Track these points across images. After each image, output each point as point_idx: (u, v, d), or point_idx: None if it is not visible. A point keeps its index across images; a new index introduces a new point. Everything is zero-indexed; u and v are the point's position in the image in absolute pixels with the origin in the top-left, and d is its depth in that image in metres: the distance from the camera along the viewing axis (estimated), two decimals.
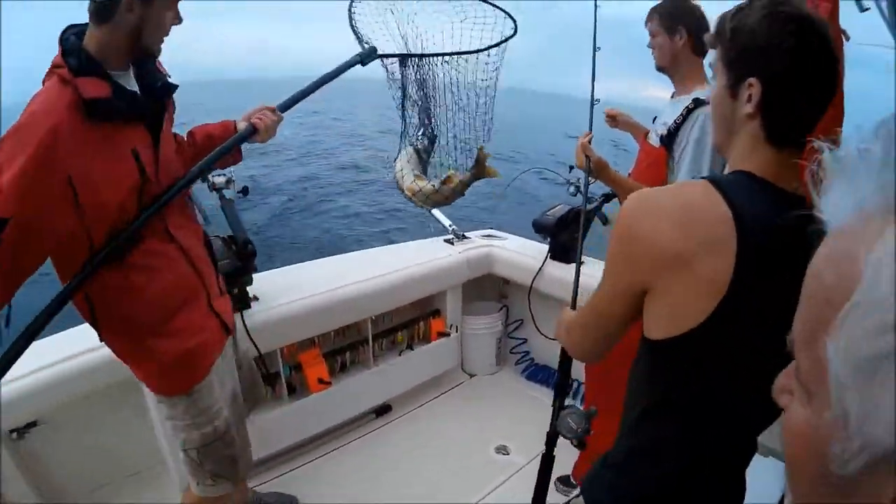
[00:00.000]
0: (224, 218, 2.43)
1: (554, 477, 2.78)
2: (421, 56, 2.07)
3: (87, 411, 2.38)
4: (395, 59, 2.09)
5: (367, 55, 2.02)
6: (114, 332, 1.65)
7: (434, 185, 2.11)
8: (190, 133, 1.93)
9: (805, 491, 0.44)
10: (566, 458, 2.81)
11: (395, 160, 2.26)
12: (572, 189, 2.62)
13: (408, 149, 2.24)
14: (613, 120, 2.55)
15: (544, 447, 1.79)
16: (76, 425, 2.40)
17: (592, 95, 2.21)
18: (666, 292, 0.98)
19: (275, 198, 12.79)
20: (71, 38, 1.45)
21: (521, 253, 3.25)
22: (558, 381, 1.76)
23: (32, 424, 2.28)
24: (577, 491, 2.47)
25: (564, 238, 3.15)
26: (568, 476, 2.82)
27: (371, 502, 2.69)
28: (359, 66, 2.03)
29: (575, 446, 1.72)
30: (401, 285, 3.12)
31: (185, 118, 2.00)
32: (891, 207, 0.36)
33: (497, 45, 1.99)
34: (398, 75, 2.13)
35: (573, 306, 1.76)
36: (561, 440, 1.76)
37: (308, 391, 2.94)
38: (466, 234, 3.58)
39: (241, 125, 1.85)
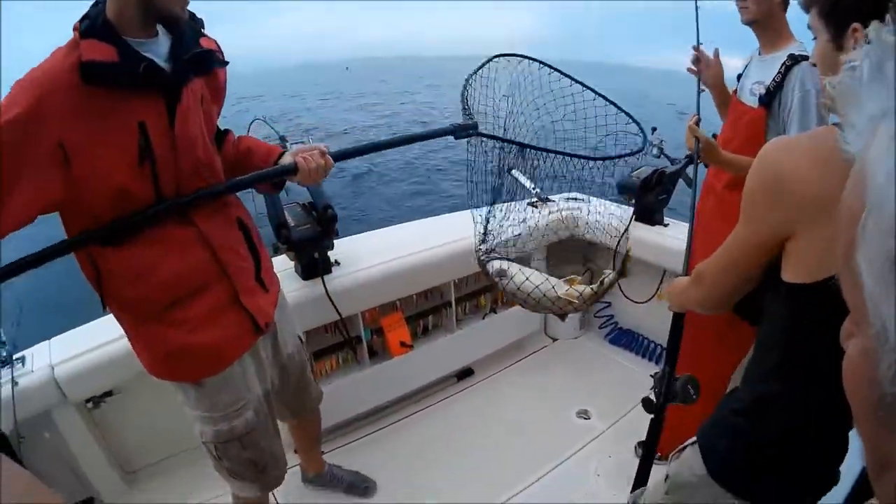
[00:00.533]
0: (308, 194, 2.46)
1: (633, 442, 2.75)
2: (525, 146, 1.83)
3: (160, 382, 2.50)
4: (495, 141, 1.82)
5: (464, 129, 1.77)
6: (117, 306, 1.57)
7: (593, 288, 1.80)
8: (240, 138, 1.82)
9: (867, 427, 0.43)
10: (639, 426, 2.76)
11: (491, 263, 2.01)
12: (655, 151, 2.51)
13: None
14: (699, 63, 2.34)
15: (651, 413, 1.68)
16: (149, 396, 2.48)
17: (699, 82, 2.25)
18: (810, 235, 1.01)
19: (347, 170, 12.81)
20: (99, 4, 1.38)
21: (606, 214, 3.14)
22: (670, 346, 1.68)
23: (108, 394, 2.41)
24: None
25: (650, 199, 3.03)
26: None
27: (450, 466, 2.73)
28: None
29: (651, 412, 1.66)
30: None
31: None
32: (884, 111, 0.35)
33: (620, 156, 1.80)
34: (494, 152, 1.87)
35: (685, 272, 1.70)
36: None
37: (389, 355, 2.98)
38: (550, 196, 3.49)
39: (287, 159, 1.67)
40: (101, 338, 2.25)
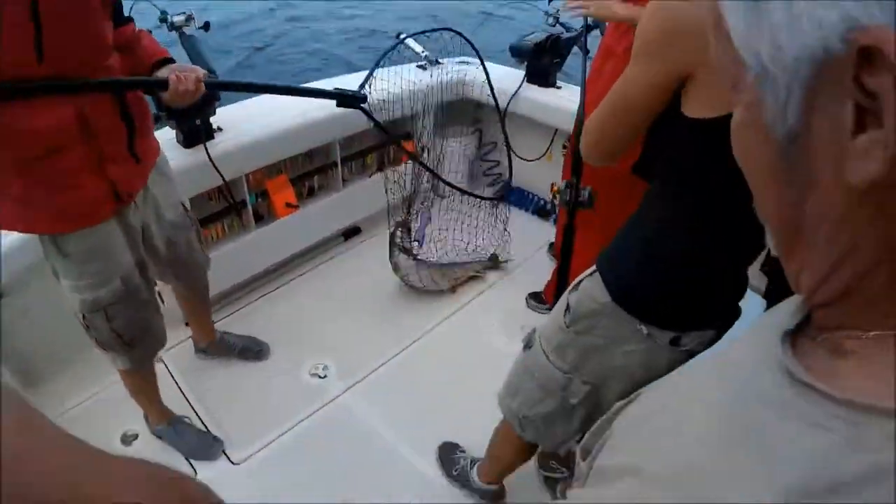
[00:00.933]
0: (187, 57, 2.28)
1: (525, 293, 2.95)
2: None
3: (51, 278, 2.35)
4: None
5: (351, 100, 2.05)
6: None
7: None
8: (140, 32, 1.75)
9: (772, 193, 0.43)
10: (538, 277, 2.95)
11: None
12: (551, 20, 2.50)
13: None
14: None
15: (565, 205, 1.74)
16: (40, 295, 2.34)
17: None
18: (710, 70, 1.01)
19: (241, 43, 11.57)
20: None
21: (496, 77, 3.14)
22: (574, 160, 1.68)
23: None
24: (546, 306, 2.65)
25: (543, 63, 3.05)
26: (539, 293, 2.98)
27: (342, 324, 2.84)
28: None
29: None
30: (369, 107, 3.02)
31: None
32: None
33: None
34: None
35: (575, 132, 1.70)
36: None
37: (275, 217, 2.94)
38: (440, 59, 3.40)
39: (164, 72, 1.67)
40: None
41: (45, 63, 1.38)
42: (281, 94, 2.02)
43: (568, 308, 1.41)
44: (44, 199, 1.54)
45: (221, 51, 9.75)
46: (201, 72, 1.71)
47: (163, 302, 2.59)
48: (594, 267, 1.38)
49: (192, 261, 2.14)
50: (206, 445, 2.26)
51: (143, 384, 2.11)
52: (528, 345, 1.60)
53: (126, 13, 1.70)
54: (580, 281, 1.41)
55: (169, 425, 2.26)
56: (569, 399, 1.47)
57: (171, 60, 1.76)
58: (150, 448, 2.28)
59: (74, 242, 1.63)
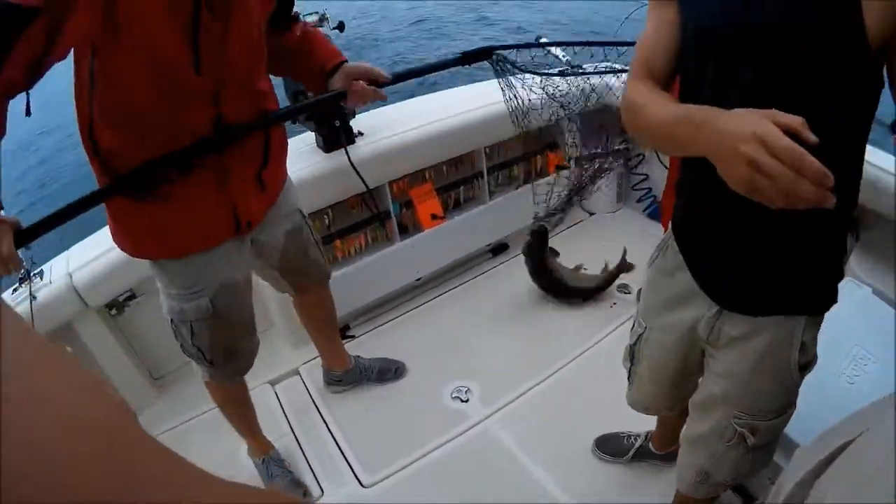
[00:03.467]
0: None
1: None
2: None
3: None
4: None
5: (476, 54, 2.05)
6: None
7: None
8: (305, 34, 1.74)
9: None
10: None
11: None
12: None
13: None
14: None
15: None
16: None
17: None
18: None
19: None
20: None
21: None
22: None
23: (131, 297, 2.29)
24: None
25: None
26: None
27: (486, 345, 2.62)
28: None
29: None
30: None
31: None
32: None
33: None
34: None
35: None
36: None
37: (420, 229, 2.80)
38: (584, 65, 3.16)
39: (339, 83, 1.71)
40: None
41: (202, 75, 1.37)
42: (424, 74, 1.95)
43: None
44: (161, 220, 1.51)
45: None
46: (379, 72, 1.72)
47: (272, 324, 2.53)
48: None
49: (309, 268, 2.02)
50: (289, 491, 2.07)
51: (230, 404, 1.99)
52: None
53: None
54: None
55: (262, 462, 2.12)
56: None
57: (344, 61, 1.74)
58: None
59: (167, 261, 1.61)
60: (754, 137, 0.71)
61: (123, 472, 0.26)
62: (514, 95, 2.35)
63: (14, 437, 0.22)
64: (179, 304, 1.63)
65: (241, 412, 2.03)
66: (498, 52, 2.09)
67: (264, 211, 1.72)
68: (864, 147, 1.04)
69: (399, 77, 1.84)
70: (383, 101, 1.89)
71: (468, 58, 2.02)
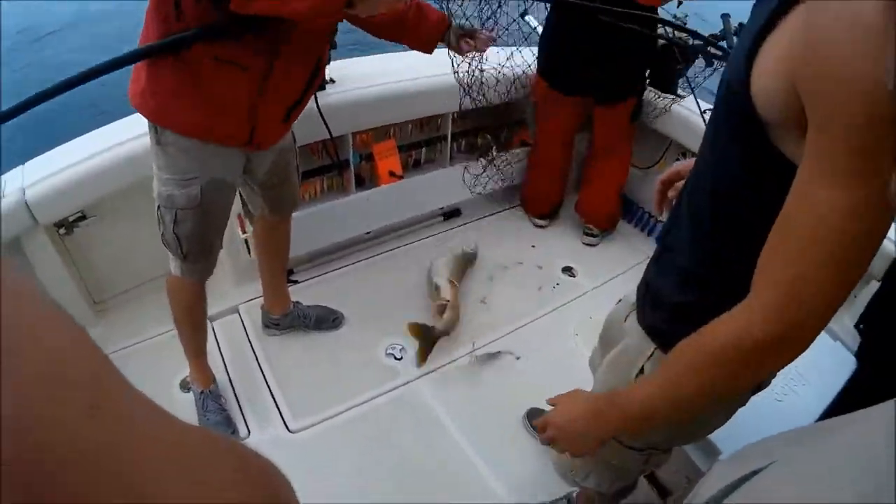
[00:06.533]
0: None
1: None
2: None
3: (135, 204, 2.28)
4: None
5: None
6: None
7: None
8: (417, 4, 1.89)
9: None
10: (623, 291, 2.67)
11: None
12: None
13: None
14: None
15: None
16: (123, 220, 2.34)
17: None
18: None
19: None
20: None
21: None
22: None
23: (82, 218, 2.23)
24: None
25: (668, 68, 2.82)
26: None
27: (427, 304, 2.65)
28: None
29: None
30: (487, 84, 2.84)
31: None
32: None
33: None
34: None
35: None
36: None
37: (377, 183, 2.80)
38: None
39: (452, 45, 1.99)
40: (78, 155, 2.06)
41: None
42: None
43: None
44: (191, 95, 1.56)
45: None
46: (476, 29, 2.00)
47: (249, 252, 2.52)
48: None
49: (288, 190, 2.08)
50: (219, 429, 2.08)
51: (189, 311, 2.01)
52: None
53: None
54: None
55: (201, 394, 2.14)
56: None
57: (450, 24, 1.96)
58: None
59: (174, 138, 1.62)
60: None
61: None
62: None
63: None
64: (171, 189, 1.67)
65: (195, 322, 2.05)
66: None
67: (276, 141, 1.82)
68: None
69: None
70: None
71: None
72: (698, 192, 0.97)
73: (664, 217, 1.29)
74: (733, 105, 0.81)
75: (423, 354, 2.40)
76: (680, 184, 1.26)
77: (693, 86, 2.66)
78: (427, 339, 2.42)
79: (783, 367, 0.80)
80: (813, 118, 0.68)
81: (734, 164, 0.87)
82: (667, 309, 1.08)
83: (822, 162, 0.68)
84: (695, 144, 1.75)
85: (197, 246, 1.80)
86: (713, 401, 0.93)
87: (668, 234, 1.10)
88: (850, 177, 0.66)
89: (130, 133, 2.12)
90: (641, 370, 1.14)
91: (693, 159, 1.06)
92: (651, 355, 1.12)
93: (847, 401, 1.84)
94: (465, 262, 2.82)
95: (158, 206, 1.72)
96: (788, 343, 0.75)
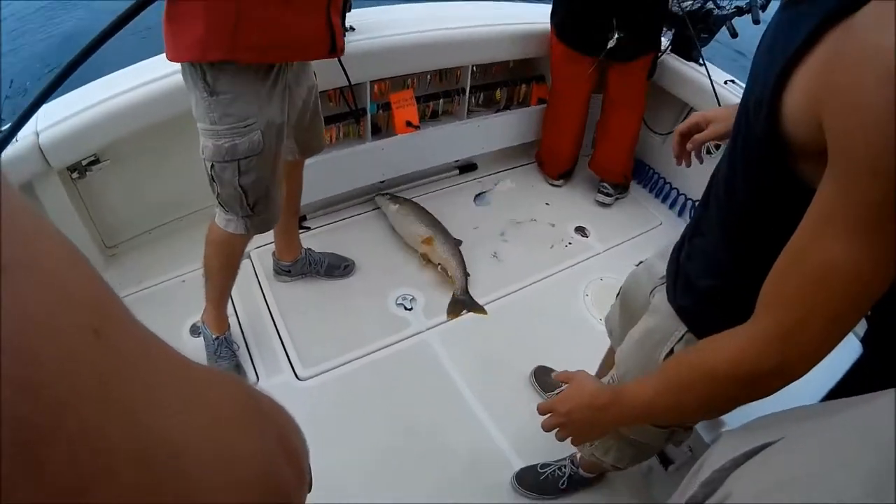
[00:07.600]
0: None
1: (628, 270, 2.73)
2: None
3: (149, 148, 2.28)
4: None
5: None
6: None
7: None
8: None
9: None
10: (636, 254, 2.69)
11: None
12: None
13: None
14: None
15: None
16: (136, 164, 2.32)
17: None
18: None
19: None
20: None
21: None
22: None
23: (95, 162, 2.21)
24: None
25: (692, 34, 2.70)
26: None
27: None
28: None
29: None
30: (507, 39, 2.79)
31: None
32: None
33: None
34: None
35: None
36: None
37: (393, 133, 2.78)
38: None
39: None
40: (92, 98, 2.02)
41: None
42: None
43: None
44: (271, 19, 1.51)
45: None
46: None
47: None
48: None
49: (316, 129, 2.05)
50: None
51: (229, 264, 1.97)
52: None
53: None
54: None
55: (215, 339, 2.14)
56: None
57: None
58: None
59: (228, 82, 1.54)
60: None
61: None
62: None
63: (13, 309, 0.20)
64: (231, 139, 1.60)
65: (232, 273, 2.01)
66: None
67: (343, 47, 1.77)
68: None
69: None
70: None
71: None
72: (721, 185, 0.98)
73: (684, 165, 1.31)
74: (754, 120, 0.80)
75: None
76: (699, 135, 1.29)
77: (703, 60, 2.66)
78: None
79: (776, 392, 0.82)
80: (836, 160, 0.67)
81: (752, 180, 0.88)
82: (696, 292, 1.09)
83: (843, 207, 0.67)
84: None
85: (263, 194, 1.75)
86: (714, 411, 1.00)
87: (701, 218, 1.09)
88: (866, 233, 0.66)
89: (142, 78, 2.10)
90: (671, 351, 1.14)
91: (713, 109, 1.05)
92: (682, 338, 1.13)
93: (851, 385, 1.85)
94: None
95: (212, 166, 1.64)
96: (781, 376, 0.78)
